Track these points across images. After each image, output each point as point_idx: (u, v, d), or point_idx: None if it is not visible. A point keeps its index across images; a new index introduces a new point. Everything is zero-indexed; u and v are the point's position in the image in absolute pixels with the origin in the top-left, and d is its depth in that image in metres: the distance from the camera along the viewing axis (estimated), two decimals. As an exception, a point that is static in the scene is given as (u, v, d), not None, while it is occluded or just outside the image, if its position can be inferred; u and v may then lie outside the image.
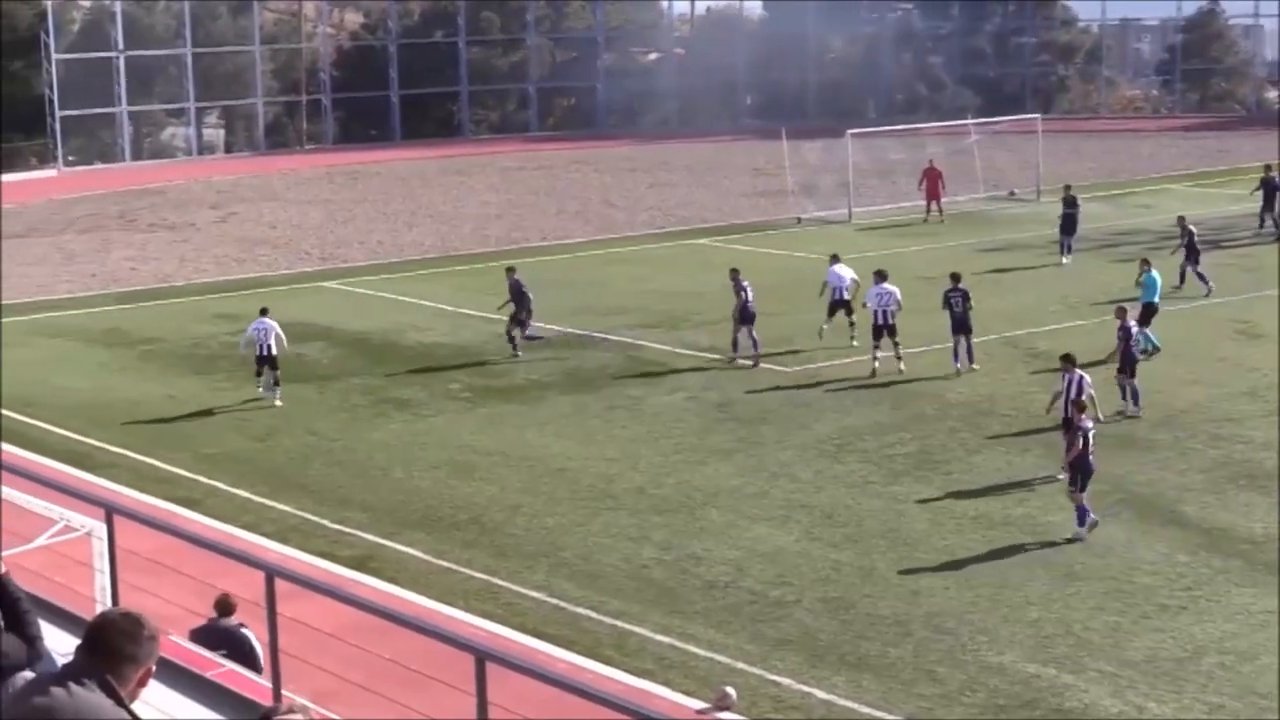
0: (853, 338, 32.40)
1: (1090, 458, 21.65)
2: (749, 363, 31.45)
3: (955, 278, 31.16)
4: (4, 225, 56.67)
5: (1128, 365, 27.22)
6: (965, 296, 30.49)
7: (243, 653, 13.90)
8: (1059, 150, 63.52)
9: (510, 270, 33.95)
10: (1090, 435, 21.77)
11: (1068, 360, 23.91)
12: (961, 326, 30.39)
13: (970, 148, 59.03)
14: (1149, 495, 23.15)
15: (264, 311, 30.41)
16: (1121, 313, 27.87)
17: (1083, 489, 21.56)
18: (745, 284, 31.88)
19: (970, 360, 30.39)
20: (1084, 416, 22.08)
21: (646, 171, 68.96)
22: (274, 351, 29.63)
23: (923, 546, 21.22)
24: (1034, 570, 20.26)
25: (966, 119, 67.63)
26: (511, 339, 33.03)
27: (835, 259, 34.09)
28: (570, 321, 36.28)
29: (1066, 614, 18.85)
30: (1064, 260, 42.24)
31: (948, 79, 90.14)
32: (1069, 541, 21.12)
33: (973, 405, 28.22)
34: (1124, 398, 27.05)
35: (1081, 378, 23.48)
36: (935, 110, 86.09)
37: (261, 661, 13.98)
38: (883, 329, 30.49)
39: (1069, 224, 42.91)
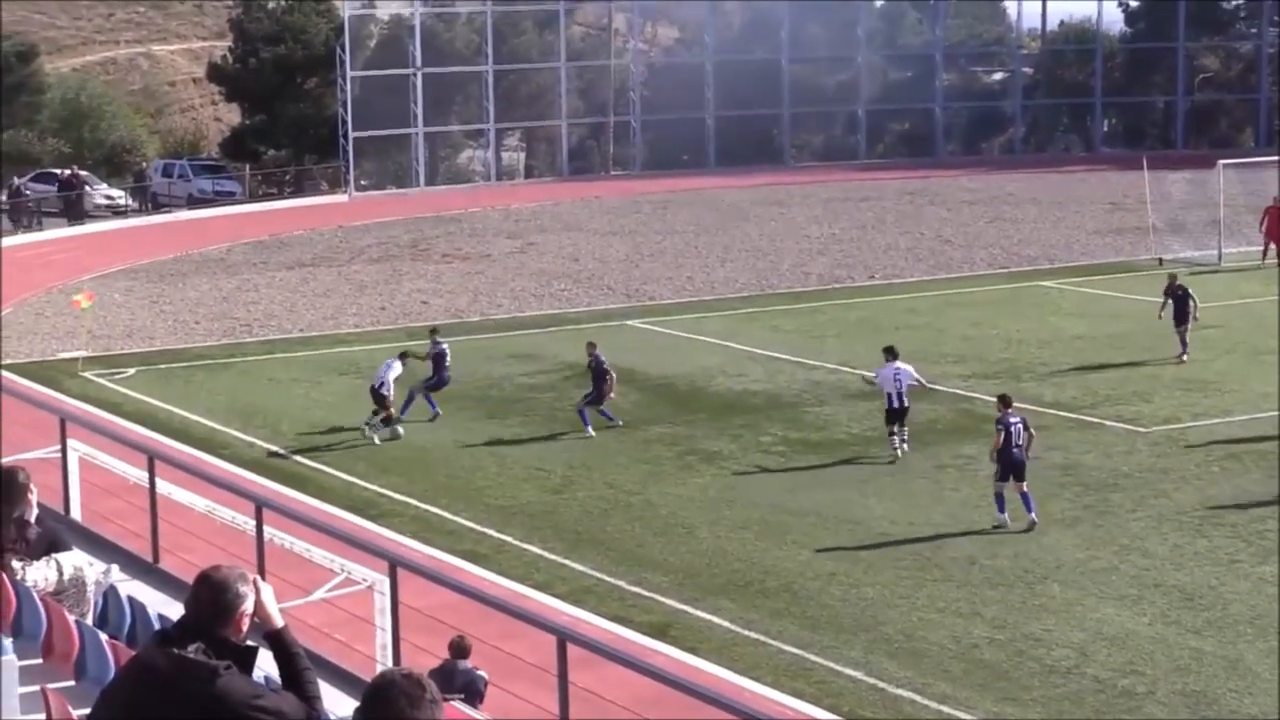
0: None
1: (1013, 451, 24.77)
2: None
3: None
4: (295, 253, 58.96)
5: None
6: None
7: (479, 697, 14.59)
8: None
9: (591, 346, 32.42)
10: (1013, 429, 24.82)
11: None
12: None
13: (1363, 182, 57.10)
14: None
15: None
16: None
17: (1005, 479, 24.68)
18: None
19: None
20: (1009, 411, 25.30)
21: (988, 204, 68.34)
22: (389, 392, 31.25)
23: (1298, 637, 20.53)
24: None
25: (1361, 148, 65.47)
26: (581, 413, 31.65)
27: None
28: (897, 370, 36.08)
29: None
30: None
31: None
32: None
33: (1361, 477, 27.21)
34: None
35: None
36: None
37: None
38: None
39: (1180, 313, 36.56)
